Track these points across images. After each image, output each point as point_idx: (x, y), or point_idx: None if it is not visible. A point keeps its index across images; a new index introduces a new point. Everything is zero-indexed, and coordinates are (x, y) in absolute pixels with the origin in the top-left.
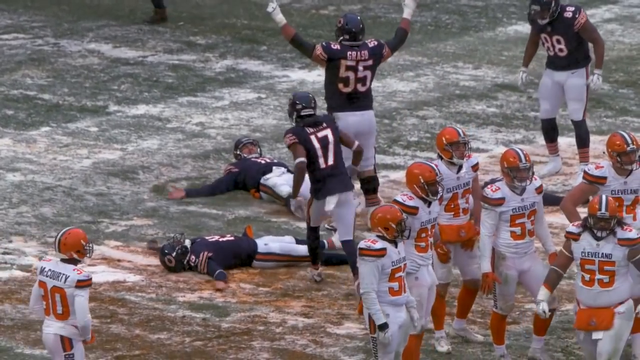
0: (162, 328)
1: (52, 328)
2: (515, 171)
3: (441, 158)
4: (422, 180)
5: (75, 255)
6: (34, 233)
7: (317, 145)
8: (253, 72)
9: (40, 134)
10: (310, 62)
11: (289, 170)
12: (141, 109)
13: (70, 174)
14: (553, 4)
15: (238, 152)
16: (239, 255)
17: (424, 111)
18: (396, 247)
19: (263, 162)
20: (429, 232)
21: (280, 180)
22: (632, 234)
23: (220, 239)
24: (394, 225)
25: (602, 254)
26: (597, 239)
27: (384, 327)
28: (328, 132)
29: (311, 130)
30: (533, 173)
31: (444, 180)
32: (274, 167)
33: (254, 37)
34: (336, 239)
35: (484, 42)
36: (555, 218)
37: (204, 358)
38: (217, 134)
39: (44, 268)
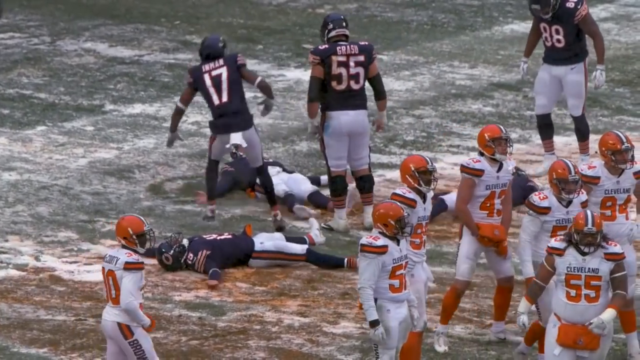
0: (158, 327)
1: (110, 315)
2: (564, 183)
3: (482, 155)
4: (412, 168)
5: (122, 242)
6: (30, 232)
7: (208, 82)
8: None
9: (36, 133)
10: (307, 61)
11: (284, 170)
12: (137, 108)
13: (66, 173)
14: None
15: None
16: (237, 254)
17: (420, 110)
18: (398, 244)
19: None
20: (424, 229)
21: (275, 180)
22: (618, 249)
23: (218, 237)
24: (392, 222)
25: (589, 268)
26: (583, 253)
27: (374, 323)
28: (223, 71)
29: (207, 68)
30: (581, 186)
31: (485, 176)
32: (268, 167)
33: (250, 37)
34: (314, 235)
35: (480, 41)
36: None
37: (200, 357)
38: None
39: (106, 255)
